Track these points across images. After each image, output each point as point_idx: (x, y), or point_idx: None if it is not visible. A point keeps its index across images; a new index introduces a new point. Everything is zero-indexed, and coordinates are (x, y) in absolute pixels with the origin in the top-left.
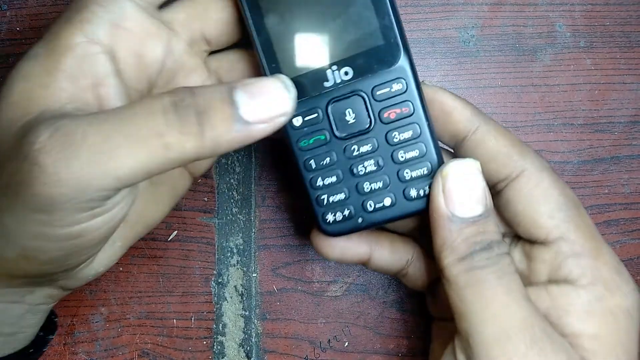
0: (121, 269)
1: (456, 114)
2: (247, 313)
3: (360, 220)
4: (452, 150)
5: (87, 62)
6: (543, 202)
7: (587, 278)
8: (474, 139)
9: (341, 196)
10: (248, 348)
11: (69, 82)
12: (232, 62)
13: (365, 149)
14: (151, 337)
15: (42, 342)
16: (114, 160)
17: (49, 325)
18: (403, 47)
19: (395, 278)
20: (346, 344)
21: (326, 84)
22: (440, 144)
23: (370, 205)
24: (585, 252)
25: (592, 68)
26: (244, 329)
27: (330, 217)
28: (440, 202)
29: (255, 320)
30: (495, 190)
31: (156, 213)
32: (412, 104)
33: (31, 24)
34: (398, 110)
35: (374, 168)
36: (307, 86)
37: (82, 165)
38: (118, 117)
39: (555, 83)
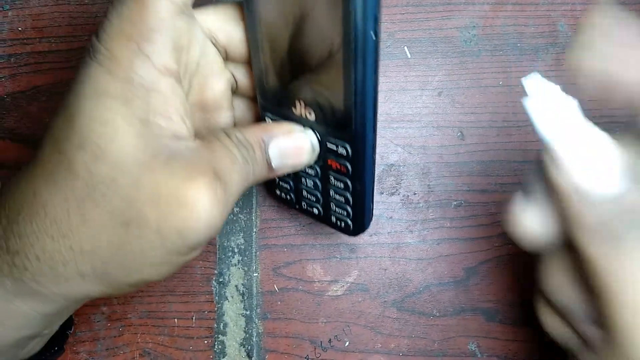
0: None
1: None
2: (248, 312)
3: (297, 207)
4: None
5: (171, 98)
6: None
7: None
8: None
9: (287, 186)
10: (249, 347)
11: (165, 122)
12: (247, 67)
13: (310, 171)
14: (152, 337)
15: (63, 337)
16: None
17: (67, 321)
18: (360, 123)
19: (403, 278)
20: (347, 343)
21: (294, 110)
22: None
23: (304, 204)
24: None
25: None
26: (245, 328)
27: (277, 191)
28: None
29: (256, 320)
30: None
31: None
32: (350, 168)
33: (33, 24)
34: (338, 165)
35: (311, 185)
36: (279, 105)
37: (227, 210)
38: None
39: (557, 82)
